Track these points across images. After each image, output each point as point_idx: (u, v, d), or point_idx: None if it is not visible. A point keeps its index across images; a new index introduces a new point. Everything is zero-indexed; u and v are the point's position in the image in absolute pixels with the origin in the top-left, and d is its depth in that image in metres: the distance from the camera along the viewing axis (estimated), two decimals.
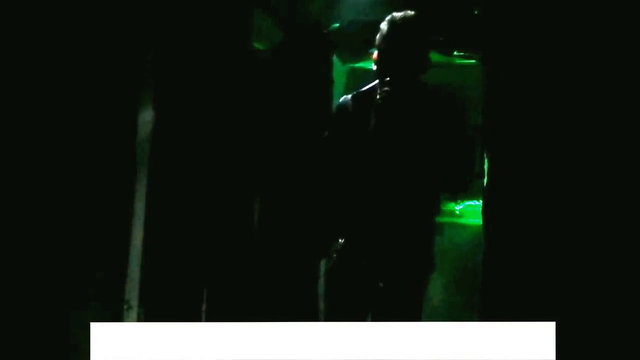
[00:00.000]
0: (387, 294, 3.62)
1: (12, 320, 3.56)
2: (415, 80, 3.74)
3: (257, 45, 4.81)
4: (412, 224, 3.66)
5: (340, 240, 3.72)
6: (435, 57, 5.31)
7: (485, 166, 4.22)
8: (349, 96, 3.92)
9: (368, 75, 3.88)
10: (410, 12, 3.74)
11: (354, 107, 3.84)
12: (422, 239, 3.71)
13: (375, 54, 3.79)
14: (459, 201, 5.33)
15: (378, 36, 3.80)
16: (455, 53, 5.14)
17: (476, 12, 4.74)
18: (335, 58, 5.46)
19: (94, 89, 3.93)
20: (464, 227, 5.39)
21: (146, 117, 3.87)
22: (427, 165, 3.61)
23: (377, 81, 3.77)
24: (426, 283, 3.74)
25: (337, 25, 5.01)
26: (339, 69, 5.73)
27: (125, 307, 3.64)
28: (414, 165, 3.59)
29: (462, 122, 3.73)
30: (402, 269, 3.64)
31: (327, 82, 5.26)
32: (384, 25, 3.77)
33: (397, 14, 3.77)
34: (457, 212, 5.45)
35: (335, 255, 3.71)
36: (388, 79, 3.64)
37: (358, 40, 5.16)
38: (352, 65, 5.88)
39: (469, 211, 5.36)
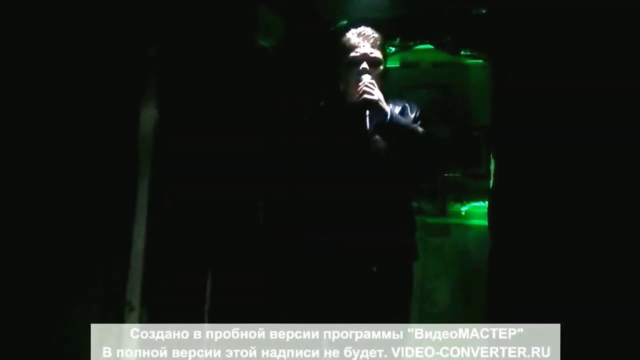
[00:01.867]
0: (377, 280, 3.73)
1: (11, 321, 3.58)
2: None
3: (263, 43, 4.81)
4: (390, 216, 3.78)
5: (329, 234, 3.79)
6: (441, 56, 5.36)
7: (492, 167, 4.21)
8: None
9: None
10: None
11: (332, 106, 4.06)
12: (403, 229, 3.85)
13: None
14: (464, 202, 5.32)
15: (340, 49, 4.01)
16: (462, 53, 5.12)
17: (483, 11, 4.72)
18: None
19: (95, 83, 3.96)
20: (469, 228, 5.38)
21: (149, 113, 3.86)
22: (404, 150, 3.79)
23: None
24: (411, 271, 3.88)
25: (345, 22, 5.00)
26: None
27: (126, 308, 3.63)
28: (392, 155, 3.77)
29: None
30: (387, 258, 3.76)
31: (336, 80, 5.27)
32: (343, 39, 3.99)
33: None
34: (463, 213, 5.45)
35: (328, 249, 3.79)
36: (364, 67, 3.82)
37: None
38: None
39: (474, 212, 5.35)
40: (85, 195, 3.59)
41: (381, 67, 3.93)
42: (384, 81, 3.96)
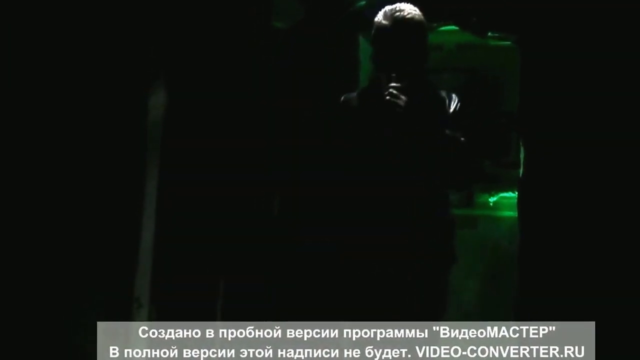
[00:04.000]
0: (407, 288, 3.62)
1: (18, 318, 3.54)
2: (418, 74, 3.77)
3: (278, 24, 4.74)
4: (426, 219, 3.67)
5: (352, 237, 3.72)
6: (468, 38, 5.27)
7: (521, 156, 4.15)
8: (354, 94, 3.99)
9: None
10: (405, 6, 3.78)
11: (360, 104, 3.89)
12: (440, 232, 3.73)
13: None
14: (492, 192, 5.25)
15: (374, 31, 3.83)
16: (489, 34, 5.04)
17: None
18: (361, 38, 5.37)
19: (103, 70, 3.92)
20: (498, 219, 5.31)
21: (158, 100, 3.80)
22: (434, 159, 3.65)
23: (375, 77, 3.87)
24: (447, 276, 3.76)
25: (364, 2, 4.93)
26: (366, 50, 5.64)
27: (134, 305, 3.57)
28: (423, 160, 3.62)
29: (463, 119, 3.75)
30: (420, 263, 3.64)
31: (353, 63, 5.22)
32: (379, 20, 3.80)
33: (391, 9, 3.80)
34: (491, 204, 5.38)
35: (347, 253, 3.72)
36: (394, 75, 3.65)
37: None
38: None
39: (503, 203, 5.28)
40: (92, 188, 3.51)
41: (421, 54, 3.79)
42: (425, 63, 3.86)
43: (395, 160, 3.69)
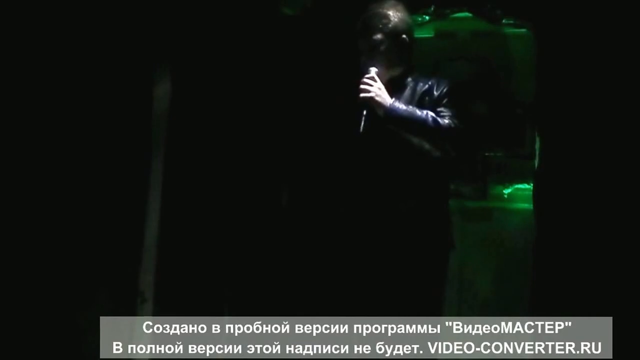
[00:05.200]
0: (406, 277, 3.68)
1: (22, 313, 3.53)
2: (400, 66, 3.91)
3: (286, 10, 4.70)
4: (419, 202, 3.76)
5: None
6: (481, 25, 5.22)
7: (537, 146, 4.10)
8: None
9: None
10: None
11: (346, 103, 3.99)
12: (434, 216, 3.80)
13: None
14: (507, 184, 5.20)
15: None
16: (504, 21, 5.00)
17: None
18: None
19: (108, 61, 3.91)
20: (513, 211, 5.26)
21: (162, 93, 3.78)
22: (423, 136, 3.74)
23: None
24: (445, 262, 3.81)
25: None
26: None
27: (138, 299, 3.55)
28: (401, 121, 3.73)
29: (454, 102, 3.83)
30: (418, 249, 3.71)
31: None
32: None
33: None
34: (506, 196, 5.33)
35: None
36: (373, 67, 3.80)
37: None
38: None
39: (518, 195, 5.23)
40: (96, 185, 3.49)
41: (401, 40, 3.90)
42: (410, 53, 3.96)
43: (362, 156, 3.80)
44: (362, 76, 3.76)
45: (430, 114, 3.69)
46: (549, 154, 3.91)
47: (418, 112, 3.72)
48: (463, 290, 4.91)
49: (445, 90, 3.85)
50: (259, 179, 3.95)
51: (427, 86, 3.88)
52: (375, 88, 3.72)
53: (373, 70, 3.76)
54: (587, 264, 3.69)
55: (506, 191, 5.34)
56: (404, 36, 3.89)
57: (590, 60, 3.77)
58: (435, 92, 3.83)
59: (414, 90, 3.88)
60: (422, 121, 3.69)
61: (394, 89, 3.80)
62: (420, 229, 3.74)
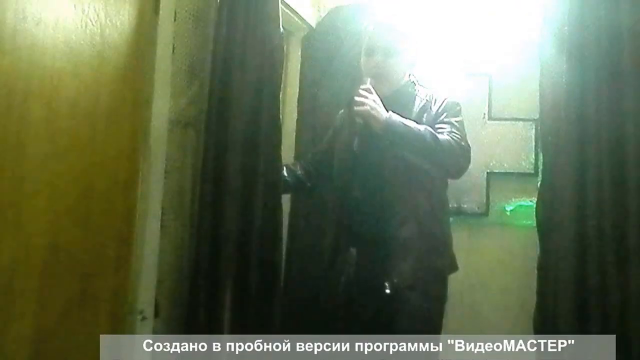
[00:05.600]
0: (405, 299, 3.72)
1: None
2: (399, 79, 4.00)
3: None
4: (419, 225, 3.79)
5: (351, 249, 3.88)
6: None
7: (540, 163, 4.07)
8: (342, 111, 4.26)
9: None
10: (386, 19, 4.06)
11: (345, 117, 4.14)
12: (438, 237, 3.86)
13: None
14: (509, 201, 5.19)
15: (363, 39, 4.08)
16: None
17: None
18: None
19: None
20: (515, 229, 5.24)
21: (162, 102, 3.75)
22: (419, 154, 3.78)
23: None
24: (445, 284, 3.88)
25: None
26: None
27: (139, 317, 3.52)
28: (399, 136, 3.72)
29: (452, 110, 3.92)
30: (419, 272, 3.76)
31: None
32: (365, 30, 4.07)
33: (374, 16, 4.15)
34: (508, 213, 5.31)
35: (347, 266, 3.87)
36: (375, 75, 3.89)
37: None
38: None
39: (521, 212, 5.21)
40: (96, 198, 3.43)
41: (404, 56, 3.98)
42: (410, 68, 4.06)
43: (372, 162, 3.86)
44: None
45: (429, 129, 3.71)
46: (552, 170, 3.87)
47: (415, 127, 3.71)
48: (464, 308, 4.88)
49: (443, 105, 3.84)
50: (268, 190, 3.91)
51: (425, 101, 3.91)
52: (371, 101, 3.72)
53: (369, 81, 3.80)
54: (590, 281, 3.66)
55: (508, 208, 5.31)
56: (405, 51, 3.90)
57: (595, 74, 3.74)
58: (433, 107, 3.87)
59: (411, 104, 3.91)
60: (420, 137, 3.69)
61: (391, 103, 3.79)
62: (422, 255, 3.73)
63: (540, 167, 4.01)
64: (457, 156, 3.80)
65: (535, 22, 4.17)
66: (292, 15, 5.13)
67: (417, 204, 3.81)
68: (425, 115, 3.86)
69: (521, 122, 5.34)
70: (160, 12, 3.67)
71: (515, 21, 5.26)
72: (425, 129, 3.71)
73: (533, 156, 5.32)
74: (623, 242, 3.58)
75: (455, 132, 3.80)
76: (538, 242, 3.86)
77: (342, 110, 4.25)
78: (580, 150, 3.73)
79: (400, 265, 3.72)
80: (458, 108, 3.97)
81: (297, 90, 5.37)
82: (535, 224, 3.92)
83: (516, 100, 5.22)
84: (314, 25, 5.50)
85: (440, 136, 3.71)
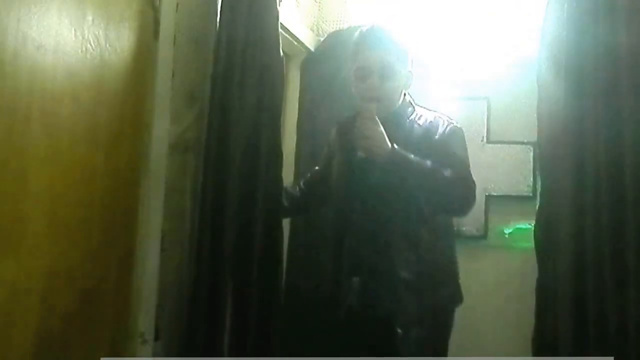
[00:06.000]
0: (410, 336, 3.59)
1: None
2: (399, 100, 3.83)
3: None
4: (422, 254, 3.67)
5: (354, 279, 3.69)
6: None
7: (538, 185, 4.06)
8: (334, 127, 4.12)
9: None
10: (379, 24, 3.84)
11: (338, 137, 4.01)
12: (442, 268, 3.75)
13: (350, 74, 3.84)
14: (508, 224, 5.18)
15: (351, 53, 3.86)
16: None
17: None
18: None
19: None
20: (514, 251, 5.23)
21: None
22: (423, 191, 3.64)
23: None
24: (452, 317, 3.77)
25: None
26: None
27: (139, 340, 3.51)
28: (404, 170, 3.57)
29: (457, 140, 3.79)
30: (425, 303, 3.62)
31: None
32: (354, 41, 3.85)
33: (365, 27, 3.84)
34: (507, 236, 5.30)
35: (349, 298, 3.69)
36: (369, 99, 3.69)
37: None
38: None
39: (519, 234, 5.20)
40: (97, 218, 3.42)
41: (400, 76, 3.82)
42: (408, 86, 3.90)
43: (374, 192, 3.71)
44: (359, 115, 3.67)
45: (434, 167, 3.57)
46: (550, 193, 3.86)
47: (420, 164, 3.57)
48: (463, 330, 4.86)
49: (447, 131, 3.76)
50: (259, 220, 3.89)
51: (425, 125, 3.77)
52: (377, 133, 3.56)
53: (372, 109, 3.63)
54: (588, 303, 3.64)
55: (507, 230, 5.31)
56: (405, 69, 3.82)
57: (593, 96, 3.73)
58: (435, 133, 3.74)
59: (410, 128, 3.77)
60: (425, 174, 3.58)
61: (389, 126, 3.64)
62: (423, 289, 3.64)
63: (539, 190, 3.98)
64: (464, 196, 3.71)
65: (533, 44, 4.17)
66: (291, 39, 5.15)
67: (419, 234, 3.72)
68: (426, 141, 3.72)
69: (519, 145, 5.37)
70: (160, 36, 3.68)
71: (513, 44, 5.27)
72: (431, 165, 3.57)
73: (531, 179, 5.33)
74: (622, 265, 3.56)
75: (461, 169, 3.71)
76: (537, 264, 3.85)
77: (335, 129, 4.17)
78: (579, 173, 3.72)
79: (401, 298, 3.63)
80: (462, 135, 3.85)
81: (296, 113, 5.39)
82: (533, 247, 3.90)
83: (514, 123, 5.23)
84: (312, 49, 5.53)
85: (446, 174, 3.57)
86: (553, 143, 3.84)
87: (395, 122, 3.75)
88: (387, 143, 3.53)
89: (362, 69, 3.78)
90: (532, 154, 5.34)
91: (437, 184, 3.56)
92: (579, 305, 3.65)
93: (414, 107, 3.90)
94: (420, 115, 3.84)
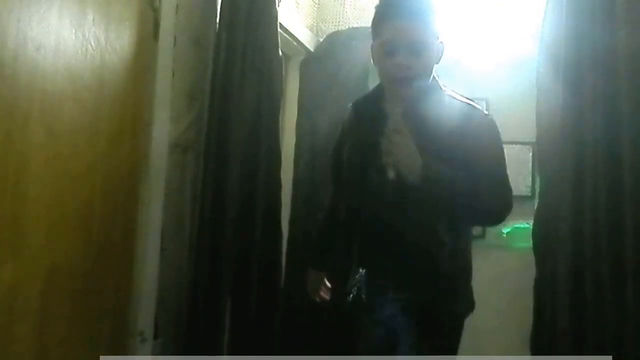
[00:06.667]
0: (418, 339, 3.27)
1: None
2: (430, 78, 3.29)
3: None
4: (438, 253, 3.24)
5: (360, 271, 3.34)
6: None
7: (537, 185, 4.07)
8: (350, 105, 3.55)
9: None
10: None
11: (357, 117, 3.47)
12: (455, 273, 3.33)
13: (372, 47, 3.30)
14: (506, 224, 5.18)
15: (373, 22, 3.30)
16: None
17: None
18: None
19: None
20: (512, 251, 5.24)
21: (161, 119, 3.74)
22: (458, 208, 3.20)
23: (377, 86, 3.44)
24: (462, 325, 3.41)
25: None
26: None
27: (138, 339, 3.51)
28: (437, 187, 3.12)
29: (492, 137, 3.31)
30: (436, 307, 3.29)
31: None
32: (377, 9, 3.28)
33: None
34: (505, 236, 5.30)
35: (355, 288, 3.34)
36: (399, 79, 3.20)
37: None
38: None
39: (518, 234, 5.21)
40: (97, 217, 3.42)
41: (432, 50, 3.23)
42: (439, 60, 3.31)
43: (398, 185, 3.17)
44: (377, 113, 3.31)
45: (469, 179, 3.13)
46: (549, 193, 3.87)
47: (454, 179, 3.13)
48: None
49: (481, 124, 3.30)
50: (258, 219, 3.89)
51: (460, 110, 3.28)
52: (407, 148, 3.07)
53: (399, 116, 3.20)
54: (586, 303, 3.65)
55: (505, 230, 5.31)
56: (436, 40, 3.27)
57: (593, 95, 3.73)
58: (468, 124, 3.23)
59: (440, 113, 3.23)
60: (460, 190, 3.15)
61: (416, 109, 3.22)
62: (438, 294, 3.30)
63: (537, 190, 3.99)
64: (499, 210, 3.25)
65: (532, 45, 4.18)
66: (290, 39, 5.16)
67: (438, 235, 3.25)
68: (460, 131, 3.17)
69: (518, 146, 5.38)
70: (160, 37, 3.68)
71: (512, 45, 5.27)
72: (466, 178, 3.10)
73: (530, 179, 5.35)
74: (620, 264, 3.57)
75: (499, 172, 3.24)
76: (535, 264, 3.86)
77: (350, 110, 3.58)
78: (577, 173, 3.73)
79: (413, 302, 3.27)
80: (497, 130, 3.35)
81: (296, 113, 5.39)
82: (532, 246, 3.91)
83: (513, 123, 5.21)
84: (312, 49, 5.53)
85: (481, 187, 3.12)
86: (552, 143, 3.85)
87: (425, 104, 3.24)
88: (418, 158, 3.05)
89: (387, 43, 3.19)
90: (530, 154, 5.35)
91: (473, 201, 3.14)
92: (577, 305, 3.66)
93: (443, 89, 3.37)
94: (452, 98, 3.32)
